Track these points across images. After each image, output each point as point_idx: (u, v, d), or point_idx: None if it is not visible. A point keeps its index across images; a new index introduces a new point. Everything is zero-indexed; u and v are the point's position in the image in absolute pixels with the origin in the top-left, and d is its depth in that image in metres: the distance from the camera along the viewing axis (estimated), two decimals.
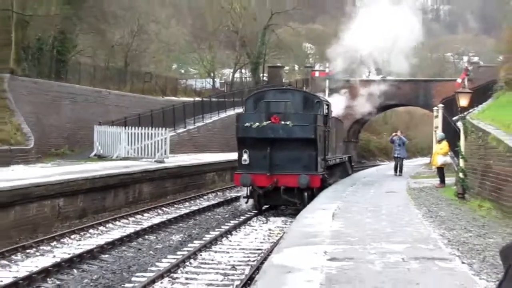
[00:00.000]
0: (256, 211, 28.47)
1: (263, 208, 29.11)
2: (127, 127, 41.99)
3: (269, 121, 26.96)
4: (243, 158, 27.69)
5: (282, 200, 27.64)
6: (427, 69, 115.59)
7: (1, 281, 15.81)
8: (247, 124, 27.24)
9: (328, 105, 30.99)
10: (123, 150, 41.06)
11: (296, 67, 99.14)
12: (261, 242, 22.23)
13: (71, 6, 49.15)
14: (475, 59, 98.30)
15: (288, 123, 26.82)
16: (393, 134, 39.64)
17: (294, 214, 24.90)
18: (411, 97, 74.89)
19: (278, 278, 11.04)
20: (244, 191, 29.52)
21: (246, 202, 28.57)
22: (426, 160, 60.21)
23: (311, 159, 27.40)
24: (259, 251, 20.48)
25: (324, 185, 28.67)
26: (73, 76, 51.38)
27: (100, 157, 40.95)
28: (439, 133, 35.15)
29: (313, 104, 29.13)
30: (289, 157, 27.13)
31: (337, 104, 43.68)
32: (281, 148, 26.99)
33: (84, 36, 58.27)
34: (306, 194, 26.89)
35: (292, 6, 79.75)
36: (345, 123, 75.07)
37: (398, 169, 38.10)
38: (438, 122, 41.48)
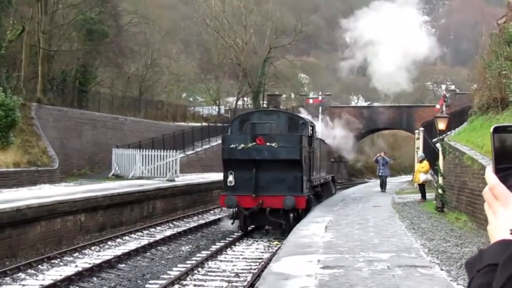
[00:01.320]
0: (241, 232, 25.63)
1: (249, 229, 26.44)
2: (141, 150, 42.07)
3: (254, 143, 24.42)
4: (228, 179, 24.91)
5: (268, 221, 25.15)
6: (410, 96, 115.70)
7: None
8: (232, 145, 24.69)
9: (313, 127, 28.32)
10: (138, 170, 41.06)
11: (292, 95, 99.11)
12: (261, 252, 22.12)
13: (92, 42, 49.28)
14: (452, 87, 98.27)
15: (273, 144, 24.30)
16: (378, 154, 39.52)
17: (291, 226, 23.55)
18: (395, 121, 74.94)
19: (276, 284, 11.00)
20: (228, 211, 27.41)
21: (232, 223, 25.66)
22: (409, 177, 60.08)
23: (296, 180, 24.71)
24: (260, 260, 20.38)
25: (309, 206, 26.07)
26: (94, 104, 51.46)
27: (118, 177, 40.94)
28: (420, 153, 35.14)
29: (298, 126, 26.56)
30: (275, 178, 24.56)
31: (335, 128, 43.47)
32: (267, 169, 24.42)
33: (104, 69, 58.56)
34: (291, 215, 24.15)
35: (289, 42, 79.75)
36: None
37: (383, 185, 38.00)
38: (419, 143, 41.41)
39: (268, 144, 24.35)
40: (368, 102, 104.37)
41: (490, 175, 1.38)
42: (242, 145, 24.47)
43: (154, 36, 65.28)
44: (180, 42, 79.33)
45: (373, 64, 40.18)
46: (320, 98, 71.42)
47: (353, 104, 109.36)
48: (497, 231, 1.36)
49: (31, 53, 43.86)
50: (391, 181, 45.26)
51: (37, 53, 44.32)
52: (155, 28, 65.22)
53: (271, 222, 25.15)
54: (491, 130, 1.43)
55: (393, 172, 76.90)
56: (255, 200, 24.39)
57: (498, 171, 1.40)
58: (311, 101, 71.12)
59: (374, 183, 51.40)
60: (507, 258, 1.23)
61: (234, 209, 25.20)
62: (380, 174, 38.18)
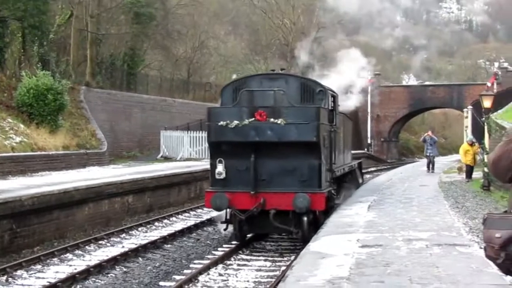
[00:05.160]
0: (237, 242, 19.22)
1: (247, 237, 19.83)
2: (189, 131, 42.50)
3: (253, 119, 17.64)
4: (217, 170, 18.20)
5: (272, 228, 18.31)
6: (461, 74, 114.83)
7: (75, 268, 16.14)
8: (222, 122, 17.79)
9: (335, 97, 20.76)
10: (186, 152, 41.53)
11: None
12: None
13: (140, 25, 49.93)
14: (505, 64, 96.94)
15: (279, 121, 17.44)
16: (425, 134, 39.13)
17: (306, 234, 17.84)
18: (445, 100, 74.44)
19: (312, 263, 11.14)
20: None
21: (225, 229, 19.26)
22: (459, 157, 59.61)
23: (312, 171, 17.84)
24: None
25: (330, 205, 19.25)
26: (142, 87, 52.15)
27: (166, 158, 41.49)
28: (469, 136, 34.49)
29: (314, 94, 19.26)
30: (281, 168, 17.87)
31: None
32: (270, 156, 17.77)
33: (152, 51, 59.19)
34: (305, 219, 17.64)
35: (337, 21, 79.44)
36: (385, 124, 75.03)
37: (431, 166, 37.57)
38: (467, 122, 41.05)
39: (272, 120, 17.56)
40: (419, 81, 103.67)
41: None
42: (236, 122, 17.74)
43: (201, 18, 65.57)
44: (228, 23, 79.60)
45: None
46: (369, 78, 71.17)
47: (404, 83, 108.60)
48: None
49: (80, 37, 44.52)
50: (441, 161, 44.93)
51: (86, 37, 44.98)
52: (203, 9, 65.51)
53: (277, 229, 18.71)
54: None
55: (444, 151, 76.46)
56: (254, 199, 17.81)
57: None
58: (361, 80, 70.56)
59: (423, 163, 51.24)
60: None
61: (227, 211, 18.64)
62: (427, 154, 37.72)
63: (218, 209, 18.40)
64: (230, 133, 17.79)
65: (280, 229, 18.61)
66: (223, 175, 18.15)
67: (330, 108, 19.68)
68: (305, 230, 17.61)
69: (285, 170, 17.83)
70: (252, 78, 20.55)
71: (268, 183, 17.88)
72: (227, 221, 18.73)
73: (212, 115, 18.33)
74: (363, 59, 30.24)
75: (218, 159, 18.22)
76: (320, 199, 17.66)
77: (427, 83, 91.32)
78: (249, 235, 19.75)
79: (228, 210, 18.36)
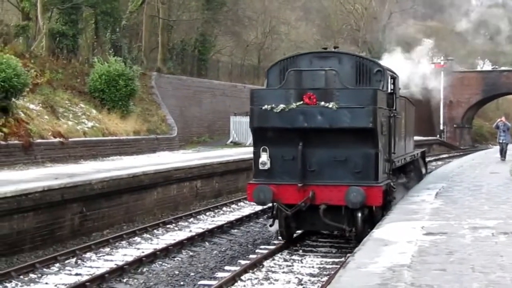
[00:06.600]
0: (283, 240, 17.42)
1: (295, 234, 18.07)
2: None
3: (301, 102, 15.61)
4: (260, 160, 16.25)
5: (322, 225, 16.45)
6: None
7: (143, 252, 16.40)
8: (266, 106, 15.78)
9: (395, 78, 18.07)
10: None
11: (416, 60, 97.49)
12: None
13: (210, 11, 50.20)
14: None
15: (330, 105, 15.36)
16: (498, 120, 38.07)
17: (360, 232, 16.10)
18: None
19: (374, 250, 11.09)
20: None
21: (271, 225, 17.07)
22: None
23: (367, 161, 15.72)
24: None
25: (388, 200, 17.13)
26: (213, 73, 52.52)
27: (236, 144, 41.72)
28: None
29: (371, 75, 16.88)
30: (333, 158, 15.81)
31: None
32: (320, 144, 15.78)
33: (223, 37, 59.48)
34: (360, 216, 15.76)
35: (410, 6, 78.59)
36: (458, 110, 73.91)
37: (503, 153, 36.60)
38: None
39: (322, 104, 15.51)
40: (494, 66, 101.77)
41: None
42: (282, 106, 15.71)
43: (272, 3, 65.55)
44: (299, 9, 79.32)
45: None
46: (442, 63, 70.20)
47: (478, 68, 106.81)
48: None
49: (151, 23, 45.02)
50: None
51: (157, 24, 45.47)
52: None
53: (328, 226, 16.66)
54: None
55: None
56: (302, 193, 15.85)
57: None
58: (433, 66, 69.72)
59: (496, 150, 50.31)
60: None
61: (273, 205, 16.73)
62: (500, 141, 36.76)
63: (262, 203, 16.69)
64: (276, 118, 15.81)
65: (331, 227, 16.60)
66: (268, 165, 16.25)
67: (389, 91, 17.31)
68: (359, 228, 15.78)
69: (337, 160, 15.83)
70: (301, 57, 17.76)
71: (317, 174, 15.96)
72: (272, 217, 16.91)
73: (255, 98, 16.28)
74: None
75: (262, 147, 16.30)
76: (377, 193, 15.66)
77: (502, 68, 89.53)
78: (297, 232, 18.13)
79: (273, 204, 16.53)
